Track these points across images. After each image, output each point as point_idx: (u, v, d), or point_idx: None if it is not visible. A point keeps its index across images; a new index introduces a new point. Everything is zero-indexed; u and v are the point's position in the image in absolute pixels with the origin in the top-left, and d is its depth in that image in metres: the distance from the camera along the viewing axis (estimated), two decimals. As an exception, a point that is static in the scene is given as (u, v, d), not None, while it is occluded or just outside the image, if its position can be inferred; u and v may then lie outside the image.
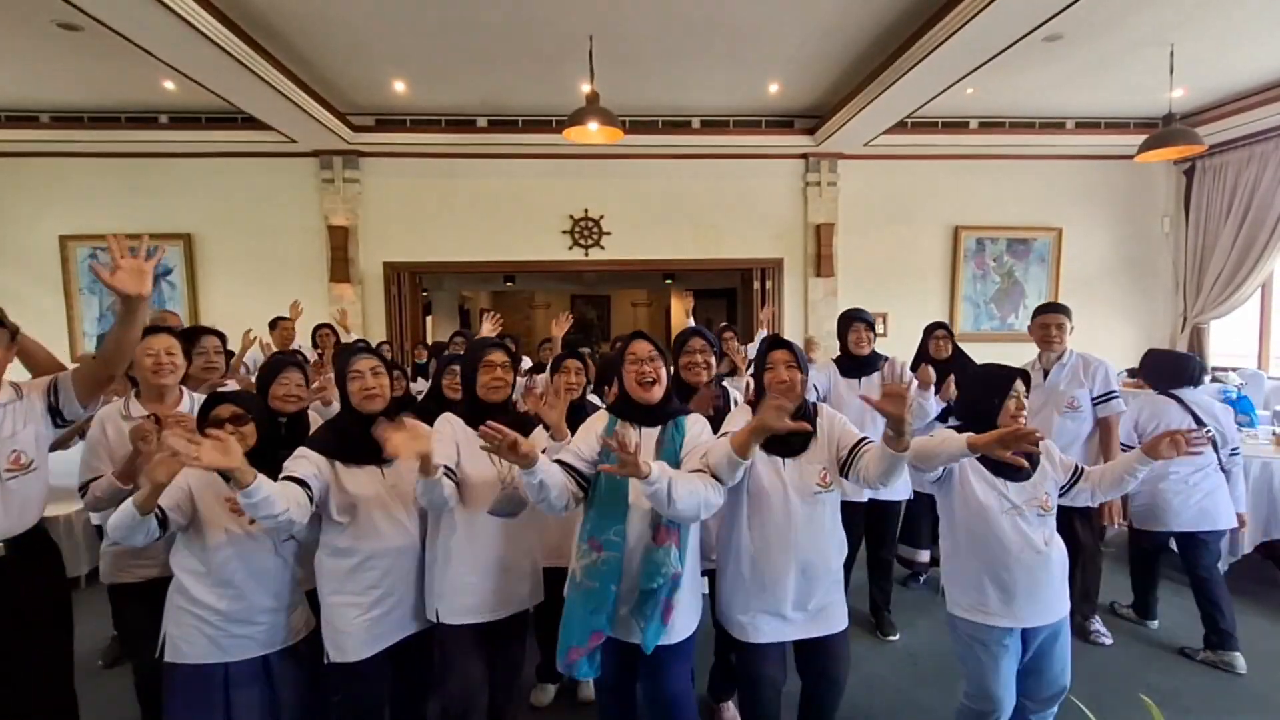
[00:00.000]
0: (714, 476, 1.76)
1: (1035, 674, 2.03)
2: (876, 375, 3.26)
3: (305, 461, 1.84)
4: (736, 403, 2.51)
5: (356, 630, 1.88)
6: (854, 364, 3.23)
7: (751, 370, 3.08)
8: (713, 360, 2.42)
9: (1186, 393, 3.25)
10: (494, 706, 2.09)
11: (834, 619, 2.00)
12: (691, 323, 4.43)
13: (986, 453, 1.76)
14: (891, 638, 3.20)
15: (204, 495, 1.84)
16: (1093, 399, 3.10)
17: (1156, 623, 3.34)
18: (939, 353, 3.50)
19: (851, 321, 3.24)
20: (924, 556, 3.76)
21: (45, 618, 2.02)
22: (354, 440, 1.92)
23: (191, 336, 2.63)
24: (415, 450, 1.68)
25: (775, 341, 2.03)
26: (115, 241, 1.74)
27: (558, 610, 2.61)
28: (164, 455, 1.61)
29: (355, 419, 1.95)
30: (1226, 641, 2.91)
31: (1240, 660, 2.87)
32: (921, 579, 3.85)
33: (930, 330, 3.59)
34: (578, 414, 2.39)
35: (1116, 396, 3.11)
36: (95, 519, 3.81)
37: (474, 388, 2.06)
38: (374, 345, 5.09)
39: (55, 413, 1.97)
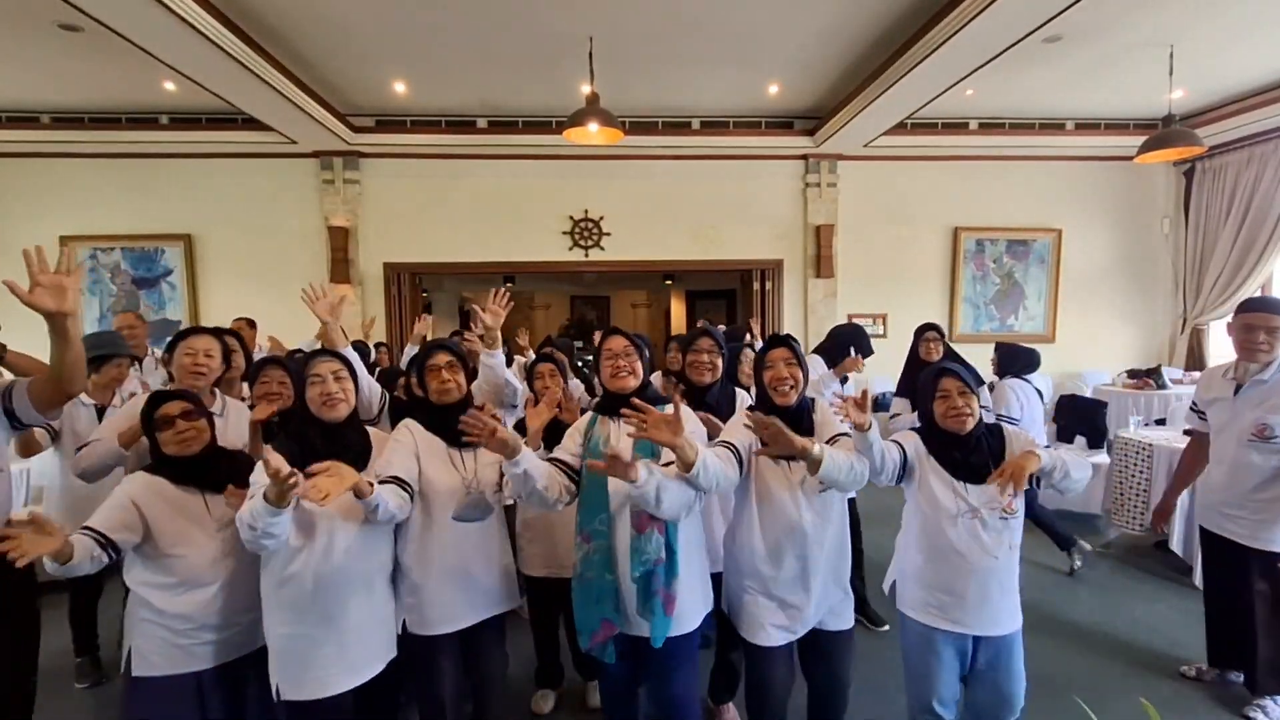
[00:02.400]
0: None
1: (987, 689, 1.95)
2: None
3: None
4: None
5: (318, 664, 1.72)
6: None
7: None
8: (719, 361, 2.40)
9: (1035, 378, 3.85)
10: (478, 714, 2.07)
11: (841, 617, 2.00)
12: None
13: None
14: (883, 628, 3.19)
15: (155, 508, 1.72)
16: None
17: None
18: (929, 355, 3.37)
19: (925, 330, 3.46)
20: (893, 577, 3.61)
21: (9, 621, 1.98)
22: (316, 451, 1.72)
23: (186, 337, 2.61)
24: (343, 490, 1.60)
25: (774, 339, 2.00)
26: (33, 256, 1.60)
27: (555, 617, 2.63)
28: (30, 532, 1.49)
29: (317, 427, 1.78)
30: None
31: None
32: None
33: (920, 332, 3.45)
34: (556, 422, 2.35)
35: None
36: None
37: (428, 391, 2.00)
38: (373, 346, 5.12)
39: (10, 415, 1.87)
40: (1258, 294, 6.24)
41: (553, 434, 2.28)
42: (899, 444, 1.96)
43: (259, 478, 1.63)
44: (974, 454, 1.92)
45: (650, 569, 1.73)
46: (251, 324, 4.95)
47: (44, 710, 2.48)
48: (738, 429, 1.96)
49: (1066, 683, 2.78)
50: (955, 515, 1.90)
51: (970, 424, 1.90)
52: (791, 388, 1.92)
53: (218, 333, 2.34)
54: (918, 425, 2.07)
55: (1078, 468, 1.89)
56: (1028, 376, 3.84)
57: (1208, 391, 2.65)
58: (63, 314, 1.62)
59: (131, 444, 2.08)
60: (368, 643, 1.80)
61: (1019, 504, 1.92)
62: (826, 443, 1.84)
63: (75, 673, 2.89)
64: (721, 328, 4.94)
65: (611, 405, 1.90)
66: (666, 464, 1.72)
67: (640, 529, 1.74)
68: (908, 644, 2.03)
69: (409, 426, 1.95)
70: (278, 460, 1.50)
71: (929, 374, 2.02)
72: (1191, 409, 2.79)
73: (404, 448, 1.90)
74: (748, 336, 4.14)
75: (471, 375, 2.17)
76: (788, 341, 1.97)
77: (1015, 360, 3.88)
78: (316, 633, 1.71)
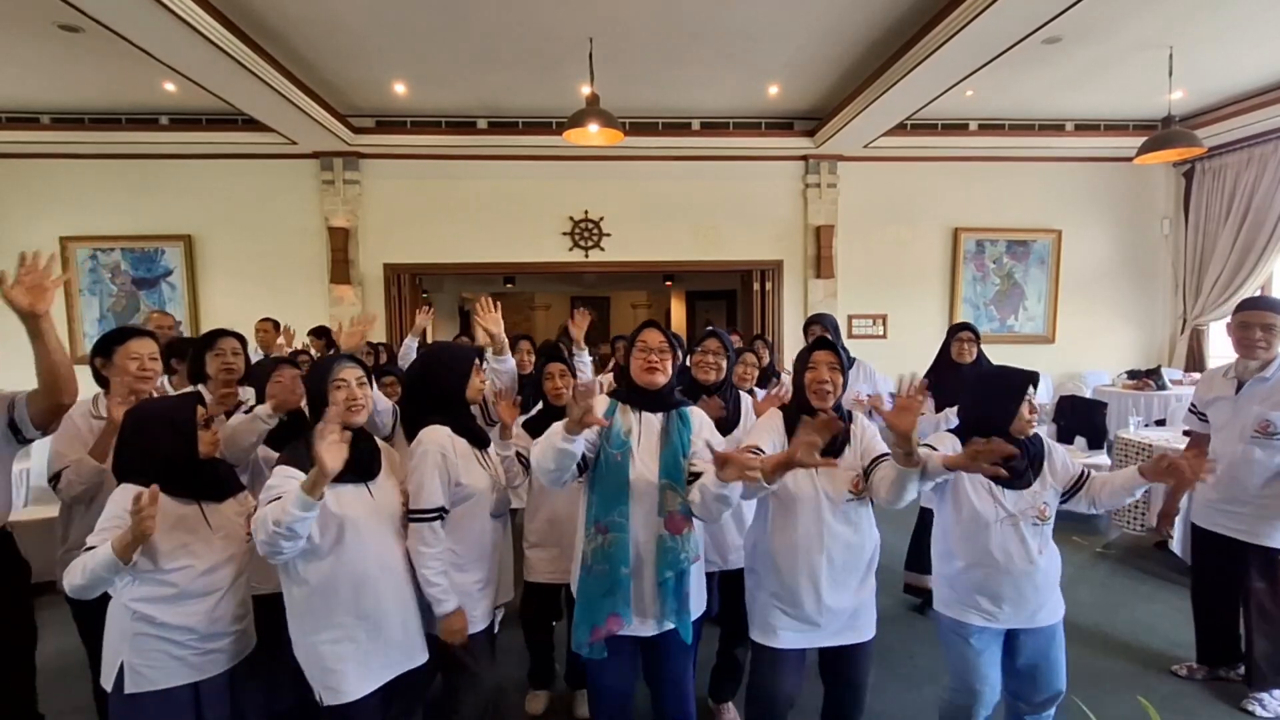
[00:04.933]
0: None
1: (1028, 678, 2.01)
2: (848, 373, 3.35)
3: (294, 484, 1.61)
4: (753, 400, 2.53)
5: (353, 665, 1.73)
6: None
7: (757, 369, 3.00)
8: (724, 364, 2.42)
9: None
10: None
11: (863, 627, 1.96)
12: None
13: (963, 469, 1.73)
14: None
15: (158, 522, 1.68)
16: None
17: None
18: (962, 357, 3.23)
19: (810, 325, 3.45)
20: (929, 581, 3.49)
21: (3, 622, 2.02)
22: None
23: (210, 339, 2.59)
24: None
25: (820, 341, 1.99)
26: (27, 256, 1.64)
27: (545, 618, 2.62)
28: (149, 506, 1.52)
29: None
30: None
31: None
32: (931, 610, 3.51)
33: (954, 331, 3.29)
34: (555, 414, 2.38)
35: None
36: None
37: (463, 392, 2.03)
38: (374, 347, 5.12)
39: (15, 430, 1.97)
40: (1258, 294, 6.28)
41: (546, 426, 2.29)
42: (934, 448, 1.90)
43: (279, 482, 1.64)
44: (1012, 459, 1.86)
45: (684, 569, 1.76)
46: (276, 326, 4.90)
47: (47, 711, 2.48)
48: (763, 432, 1.96)
49: (1066, 682, 2.78)
50: (992, 522, 1.92)
51: (831, 400, 1.91)
52: (830, 391, 1.90)
53: (154, 335, 2.32)
54: (952, 425, 2.06)
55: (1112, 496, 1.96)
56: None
57: (1208, 391, 2.68)
58: (35, 314, 1.66)
59: (107, 456, 1.99)
60: (406, 634, 1.83)
61: (1052, 509, 1.96)
62: (872, 462, 1.89)
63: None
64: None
65: (637, 398, 1.89)
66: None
67: (676, 530, 1.75)
68: (946, 640, 2.05)
69: (444, 438, 1.91)
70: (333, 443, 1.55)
71: (1005, 378, 1.97)
72: (1191, 410, 2.81)
73: (443, 473, 1.87)
74: (736, 341, 4.15)
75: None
76: (834, 345, 1.95)
77: None
78: (357, 633, 1.73)
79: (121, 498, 1.67)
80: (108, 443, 1.99)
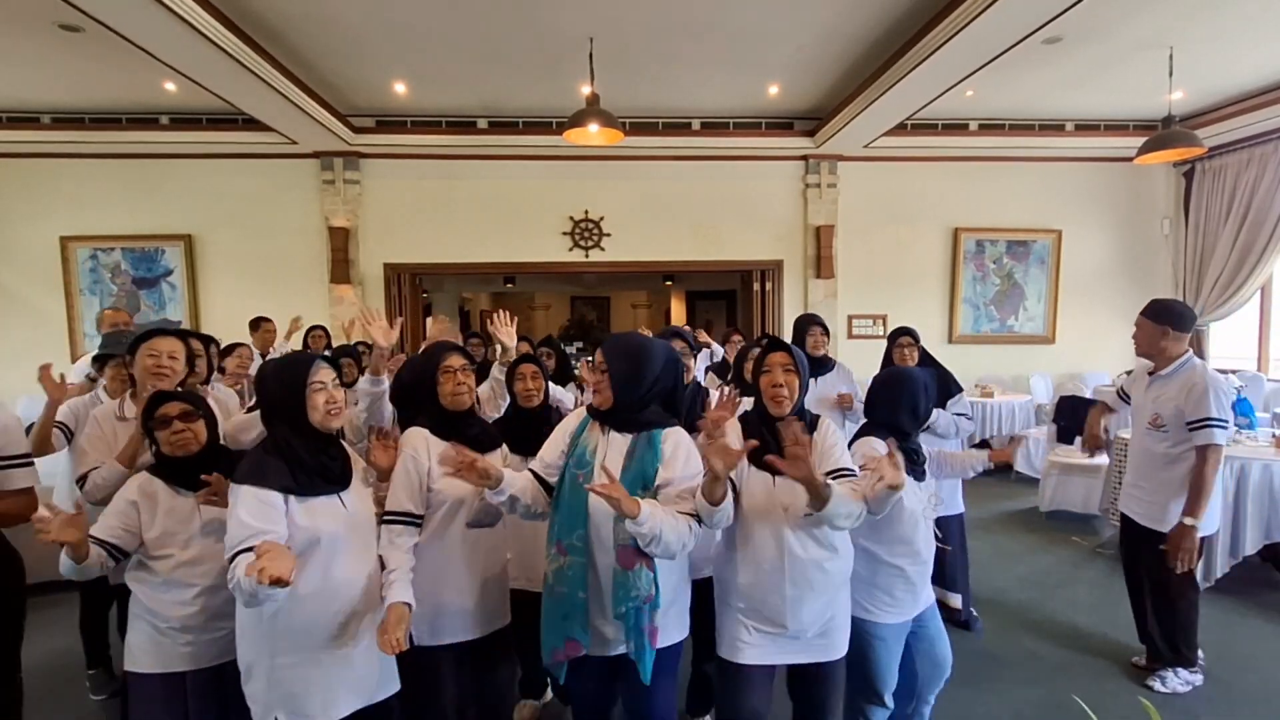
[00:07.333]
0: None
1: (928, 657, 2.07)
2: (828, 375, 3.40)
3: (259, 506, 1.51)
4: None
5: (324, 687, 1.62)
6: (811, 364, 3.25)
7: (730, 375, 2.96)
8: (690, 362, 2.37)
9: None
10: None
11: (834, 645, 1.85)
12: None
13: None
14: None
15: (147, 508, 1.74)
16: (1187, 423, 2.59)
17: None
18: (904, 362, 3.21)
19: (809, 325, 3.45)
20: (956, 600, 3.30)
21: None
22: (310, 468, 1.62)
23: (144, 339, 2.45)
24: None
25: (774, 343, 1.90)
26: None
27: (533, 628, 2.61)
28: (66, 517, 1.53)
29: (311, 440, 1.66)
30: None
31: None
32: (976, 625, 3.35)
33: (894, 337, 3.29)
34: (542, 421, 2.31)
35: (1212, 424, 2.51)
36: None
37: (435, 396, 1.95)
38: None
39: None
40: (1255, 295, 6.28)
41: (528, 431, 2.24)
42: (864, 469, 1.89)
43: (249, 516, 1.50)
44: (919, 456, 2.06)
45: (638, 605, 1.63)
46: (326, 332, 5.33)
47: (55, 714, 2.49)
48: (730, 441, 1.85)
49: (1066, 682, 2.78)
50: (921, 514, 1.97)
51: (788, 406, 1.81)
52: (786, 397, 1.80)
53: (182, 335, 2.31)
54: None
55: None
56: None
57: (1133, 380, 2.97)
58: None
59: (134, 461, 2.04)
60: (375, 662, 1.70)
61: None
62: (829, 474, 1.72)
63: (90, 685, 2.81)
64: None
65: (604, 414, 1.78)
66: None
67: (628, 565, 1.62)
68: (867, 647, 1.99)
69: (419, 439, 1.89)
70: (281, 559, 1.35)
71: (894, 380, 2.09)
72: (1118, 391, 3.10)
73: (411, 476, 1.84)
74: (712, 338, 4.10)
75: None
76: (788, 346, 1.86)
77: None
78: (322, 655, 1.61)
79: (124, 491, 1.77)
80: (135, 446, 2.03)
